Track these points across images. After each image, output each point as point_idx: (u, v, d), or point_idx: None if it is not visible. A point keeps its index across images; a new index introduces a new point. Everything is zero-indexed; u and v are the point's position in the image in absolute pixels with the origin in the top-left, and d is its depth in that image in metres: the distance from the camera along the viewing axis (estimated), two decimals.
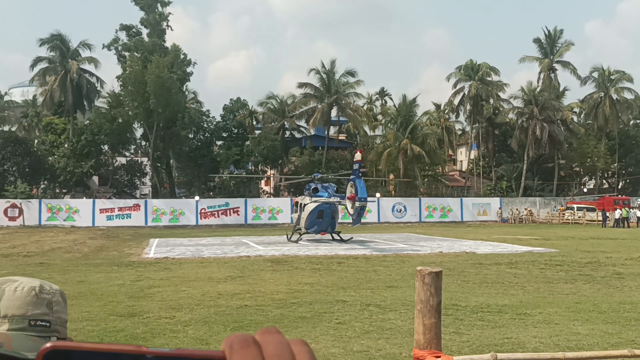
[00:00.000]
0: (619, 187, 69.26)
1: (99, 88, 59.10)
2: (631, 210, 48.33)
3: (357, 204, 26.69)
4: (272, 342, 0.52)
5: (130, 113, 52.18)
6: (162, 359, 0.48)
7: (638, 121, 72.12)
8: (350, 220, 29.05)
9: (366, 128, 69.32)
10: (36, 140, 59.59)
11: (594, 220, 49.44)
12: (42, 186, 55.25)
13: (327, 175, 37.00)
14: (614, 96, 64.48)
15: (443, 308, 10.26)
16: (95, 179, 60.50)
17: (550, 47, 65.62)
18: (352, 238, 30.82)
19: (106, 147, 56.09)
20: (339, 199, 28.92)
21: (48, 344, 0.47)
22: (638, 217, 46.17)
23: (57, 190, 55.31)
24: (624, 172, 69.68)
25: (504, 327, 9.63)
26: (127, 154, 61.65)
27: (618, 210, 47.20)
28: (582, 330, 9.34)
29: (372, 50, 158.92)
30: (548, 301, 12.15)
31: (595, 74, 65.80)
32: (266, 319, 10.48)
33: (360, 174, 27.63)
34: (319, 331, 9.46)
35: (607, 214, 47.62)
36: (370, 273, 17.09)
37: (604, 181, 72.75)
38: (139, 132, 57.85)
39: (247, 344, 0.51)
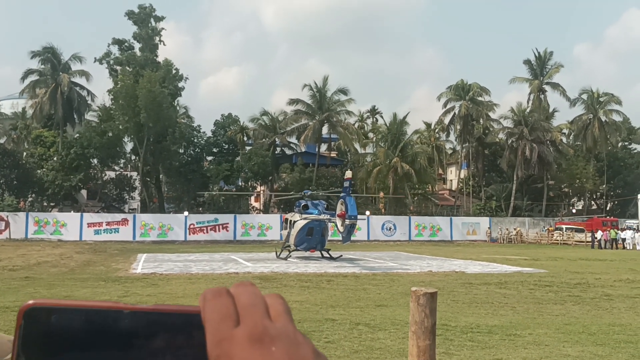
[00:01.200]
0: (607, 208, 69.69)
1: (89, 101, 59.00)
2: (620, 231, 48.54)
3: (347, 221, 26.62)
4: (246, 292, 0.53)
5: (120, 127, 51.98)
6: (140, 314, 0.48)
7: (626, 143, 72.86)
8: (340, 238, 28.96)
9: (357, 146, 69.46)
10: (25, 153, 59.20)
11: (583, 241, 49.62)
12: (30, 199, 54.78)
13: (318, 193, 36.93)
14: (603, 118, 65.14)
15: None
16: (84, 192, 60.08)
17: (540, 68, 66.32)
18: (341, 256, 30.68)
19: (95, 160, 55.76)
20: (329, 217, 28.84)
21: (30, 301, 0.47)
22: (637, 241, 46.09)
23: (45, 204, 54.84)
24: (612, 193, 70.17)
25: (493, 348, 9.56)
26: (116, 168, 61.34)
27: (600, 232, 47.50)
28: (572, 352, 9.28)
29: (363, 68, 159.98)
30: (538, 322, 12.10)
31: (585, 96, 66.52)
32: None
33: (350, 192, 27.59)
34: None
35: (597, 235, 47.87)
36: (359, 291, 16.98)
37: (593, 202, 73.18)
38: (129, 146, 57.66)
39: (220, 294, 0.51)
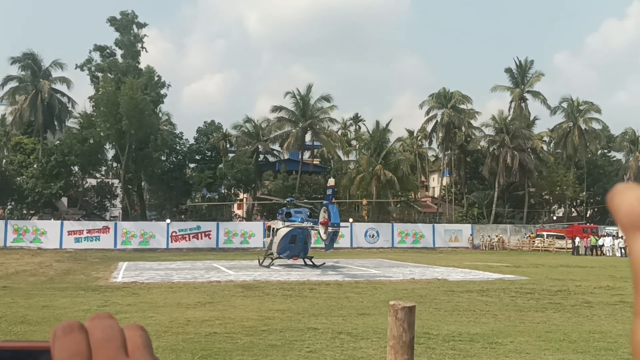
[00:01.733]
0: (587, 215, 70.45)
1: (70, 108, 58.46)
2: (600, 238, 49.05)
3: (330, 229, 26.59)
4: (101, 326, 0.49)
5: (102, 134, 51.50)
6: None
7: (605, 151, 73.80)
8: (323, 246, 28.91)
9: (340, 153, 69.59)
10: (4, 160, 58.38)
11: (563, 248, 50.07)
12: (9, 207, 54.02)
13: (301, 200, 36.87)
14: (583, 126, 65.94)
15: (415, 336, 10.12)
16: (65, 200, 59.41)
17: (521, 77, 67.00)
18: (324, 263, 30.64)
19: (76, 168, 55.16)
20: (311, 224, 28.78)
21: None
22: (621, 247, 46.55)
23: (25, 211, 54.11)
24: (592, 200, 70.96)
25: (475, 357, 9.57)
26: (97, 175, 60.72)
27: (578, 238, 48.01)
28: None
29: (346, 76, 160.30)
30: (519, 330, 12.15)
31: (565, 104, 67.31)
32: (235, 346, 10.26)
33: (333, 200, 27.58)
34: None
35: (577, 242, 48.35)
36: (342, 300, 16.95)
37: (573, 209, 73.94)
38: (110, 154, 57.09)
39: (72, 329, 0.48)
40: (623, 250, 46.12)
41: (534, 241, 53.94)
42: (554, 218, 68.85)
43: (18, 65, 55.59)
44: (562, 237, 52.82)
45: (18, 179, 53.41)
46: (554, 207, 73.89)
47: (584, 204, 71.03)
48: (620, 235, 50.11)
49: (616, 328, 12.48)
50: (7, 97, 56.68)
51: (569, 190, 64.83)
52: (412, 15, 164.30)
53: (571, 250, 47.89)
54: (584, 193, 67.84)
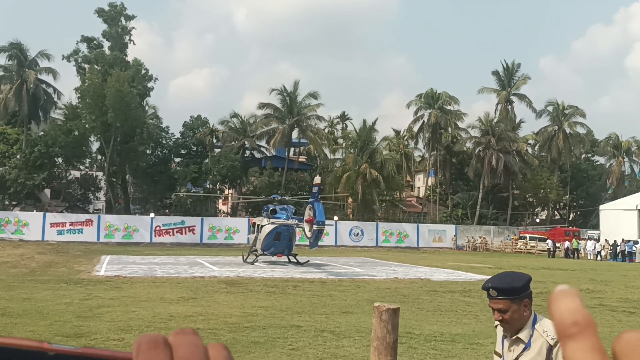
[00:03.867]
0: (570, 218, 71.16)
1: (55, 99, 57.89)
2: (581, 241, 49.57)
3: (315, 227, 26.59)
4: (186, 344, 0.48)
5: (87, 126, 51.08)
6: (66, 357, 0.44)
7: (589, 155, 74.57)
8: (308, 243, 28.93)
9: (326, 151, 69.65)
10: None
11: (545, 250, 50.50)
12: None
13: (286, 197, 36.86)
14: (567, 130, 66.56)
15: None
16: (48, 192, 58.87)
17: (507, 80, 67.45)
18: (308, 261, 30.67)
19: (60, 159, 54.69)
20: (297, 221, 28.79)
21: None
22: (598, 252, 47.12)
23: (7, 202, 53.55)
24: (575, 204, 71.69)
25: (456, 357, 9.66)
26: (81, 167, 60.24)
27: (549, 241, 48.52)
28: None
29: (334, 74, 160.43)
30: None
31: (550, 108, 67.90)
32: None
33: (319, 198, 27.61)
34: (272, 357, 9.31)
35: (557, 245, 48.80)
36: (325, 298, 16.99)
37: (556, 212, 74.62)
38: (95, 146, 56.71)
39: (157, 344, 0.47)
40: (599, 255, 46.76)
41: (516, 243, 54.36)
42: (537, 220, 69.44)
43: (4, 54, 55.00)
44: (544, 240, 53.27)
45: (0, 169, 52.83)
46: (537, 209, 74.54)
47: (567, 207, 71.74)
48: (597, 238, 50.81)
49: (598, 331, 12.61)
50: None
51: (553, 193, 65.42)
52: (401, 16, 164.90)
53: (549, 252, 48.29)
54: (567, 196, 68.51)
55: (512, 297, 3.13)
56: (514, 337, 3.16)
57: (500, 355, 3.19)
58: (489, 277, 3.23)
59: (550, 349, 3.06)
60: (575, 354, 0.46)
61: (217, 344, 0.51)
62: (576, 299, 0.48)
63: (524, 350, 3.13)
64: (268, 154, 63.64)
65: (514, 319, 3.11)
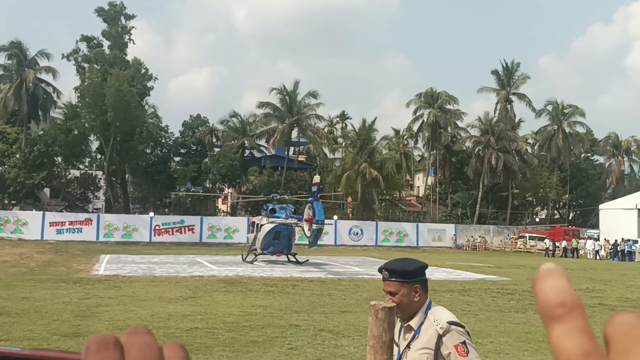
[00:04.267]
0: (570, 218, 71.17)
1: (55, 98, 57.83)
2: (580, 241, 49.59)
3: (314, 226, 26.58)
4: (138, 344, 0.45)
5: (86, 125, 51.05)
6: (13, 359, 0.42)
7: (589, 154, 74.57)
8: (307, 242, 28.92)
9: (326, 150, 69.63)
10: None
11: (545, 250, 50.52)
12: None
13: (285, 196, 36.86)
14: (567, 129, 66.53)
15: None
16: (47, 191, 58.83)
17: (507, 79, 67.40)
18: (307, 260, 30.67)
19: (60, 159, 54.67)
20: (296, 221, 28.79)
21: None
22: (596, 251, 47.14)
23: (6, 202, 53.53)
24: (574, 203, 71.69)
25: None
26: (81, 166, 60.21)
27: (548, 240, 48.57)
28: None
29: (333, 73, 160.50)
30: (499, 330, 12.26)
31: (550, 107, 67.85)
32: (216, 342, 10.25)
33: (318, 197, 27.59)
34: (270, 356, 9.29)
35: (557, 244, 48.81)
36: (324, 297, 16.98)
37: (556, 212, 74.63)
38: (94, 145, 56.66)
39: (107, 345, 0.44)
40: (598, 255, 46.81)
41: (516, 242, 54.36)
42: (537, 220, 69.46)
43: (4, 53, 55.00)
44: (544, 239, 53.28)
45: (0, 168, 52.82)
46: (537, 209, 74.54)
47: (567, 207, 71.74)
48: (597, 238, 50.84)
49: (594, 330, 12.38)
50: None
51: (552, 193, 65.43)
52: (400, 15, 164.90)
53: (547, 251, 48.30)
54: (567, 196, 68.50)
55: (403, 280, 3.11)
56: (405, 325, 3.12)
57: (397, 344, 3.12)
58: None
59: (439, 338, 2.97)
60: (561, 337, 0.42)
61: (172, 344, 0.48)
62: (563, 279, 0.44)
63: (413, 337, 3.07)
64: (267, 153, 63.62)
65: (404, 303, 3.06)
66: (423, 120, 66.29)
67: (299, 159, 67.59)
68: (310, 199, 27.79)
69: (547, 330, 0.42)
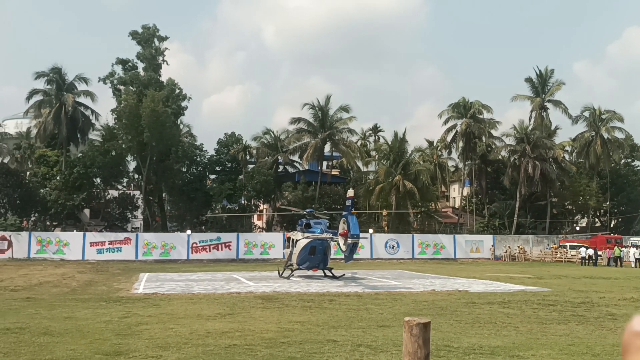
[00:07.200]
0: (611, 225, 69.41)
1: (93, 121, 59.24)
2: (624, 249, 48.30)
3: (349, 240, 26.53)
4: None
5: (123, 146, 52.16)
6: None
7: (629, 160, 72.74)
8: (343, 257, 28.85)
9: (359, 164, 69.55)
10: (28, 173, 59.36)
11: (587, 259, 49.35)
12: (33, 218, 54.81)
13: (320, 211, 36.87)
14: (605, 135, 65.12)
15: (435, 349, 10.07)
16: (87, 211, 60.14)
17: (541, 86, 66.46)
18: (344, 275, 30.57)
19: (98, 180, 55.88)
20: (331, 235, 28.77)
21: None
22: (637, 258, 45.88)
23: (48, 223, 54.87)
24: (615, 210, 69.93)
25: None
26: (119, 187, 61.41)
27: (583, 249, 47.37)
28: None
29: (365, 86, 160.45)
30: (541, 343, 12.00)
31: (586, 113, 66.58)
32: (255, 359, 10.27)
33: (352, 210, 27.54)
34: None
35: (600, 253, 47.63)
36: (362, 311, 16.87)
37: (597, 219, 72.90)
38: (132, 165, 57.81)
39: None
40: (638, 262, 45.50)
41: (556, 252, 53.25)
42: (577, 228, 67.96)
43: (44, 79, 56.60)
44: (587, 248, 52.08)
45: (41, 190, 54.27)
46: (577, 217, 72.97)
47: (608, 214, 70.01)
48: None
49: None
50: (32, 110, 57.66)
51: (592, 200, 64.00)
52: (429, 26, 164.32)
53: (586, 261, 47.10)
54: (608, 203, 66.90)
55: None
56: None
57: None
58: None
59: None
60: None
61: None
62: None
63: None
64: (301, 169, 63.87)
65: None
66: (456, 131, 65.74)
67: (333, 173, 67.65)
68: (344, 213, 27.76)
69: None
